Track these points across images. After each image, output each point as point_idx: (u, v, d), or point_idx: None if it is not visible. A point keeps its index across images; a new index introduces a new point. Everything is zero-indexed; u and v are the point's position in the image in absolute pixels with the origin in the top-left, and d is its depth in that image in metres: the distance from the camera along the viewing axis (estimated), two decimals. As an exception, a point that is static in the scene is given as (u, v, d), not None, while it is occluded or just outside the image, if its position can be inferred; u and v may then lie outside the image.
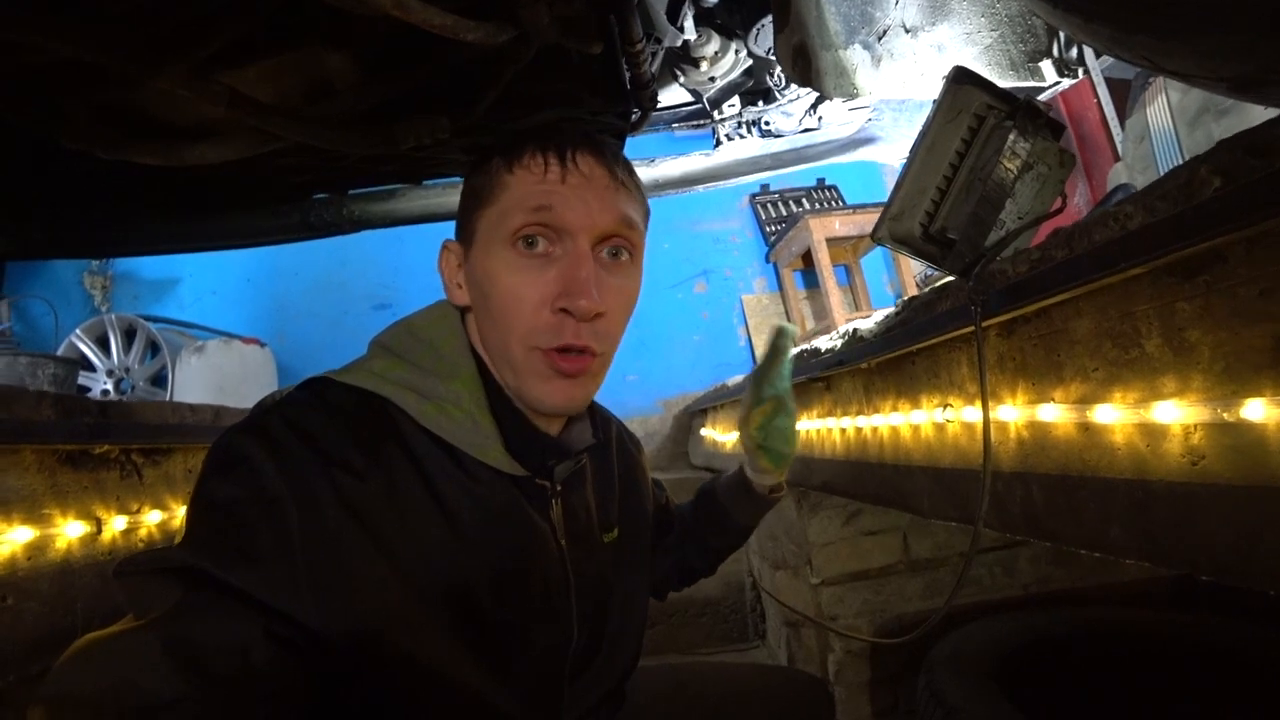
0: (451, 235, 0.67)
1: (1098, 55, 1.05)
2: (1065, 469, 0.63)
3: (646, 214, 0.67)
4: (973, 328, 0.69)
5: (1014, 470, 0.70)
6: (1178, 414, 0.51)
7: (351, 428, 0.53)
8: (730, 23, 1.14)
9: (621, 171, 0.62)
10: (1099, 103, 3.05)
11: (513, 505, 0.60)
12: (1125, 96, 2.59)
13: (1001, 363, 0.71)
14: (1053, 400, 0.64)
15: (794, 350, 0.92)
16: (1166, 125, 2.09)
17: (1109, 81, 3.02)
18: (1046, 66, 1.02)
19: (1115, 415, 0.57)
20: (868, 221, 2.88)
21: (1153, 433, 0.54)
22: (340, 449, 0.52)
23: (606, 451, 0.77)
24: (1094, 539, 0.61)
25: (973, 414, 0.76)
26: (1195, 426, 0.50)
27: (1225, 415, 0.48)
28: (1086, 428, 0.60)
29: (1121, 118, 2.89)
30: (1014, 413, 0.69)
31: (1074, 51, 1.06)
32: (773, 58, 1.13)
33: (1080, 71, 1.04)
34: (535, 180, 0.58)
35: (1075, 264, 0.57)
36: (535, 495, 0.62)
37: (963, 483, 0.79)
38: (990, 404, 0.70)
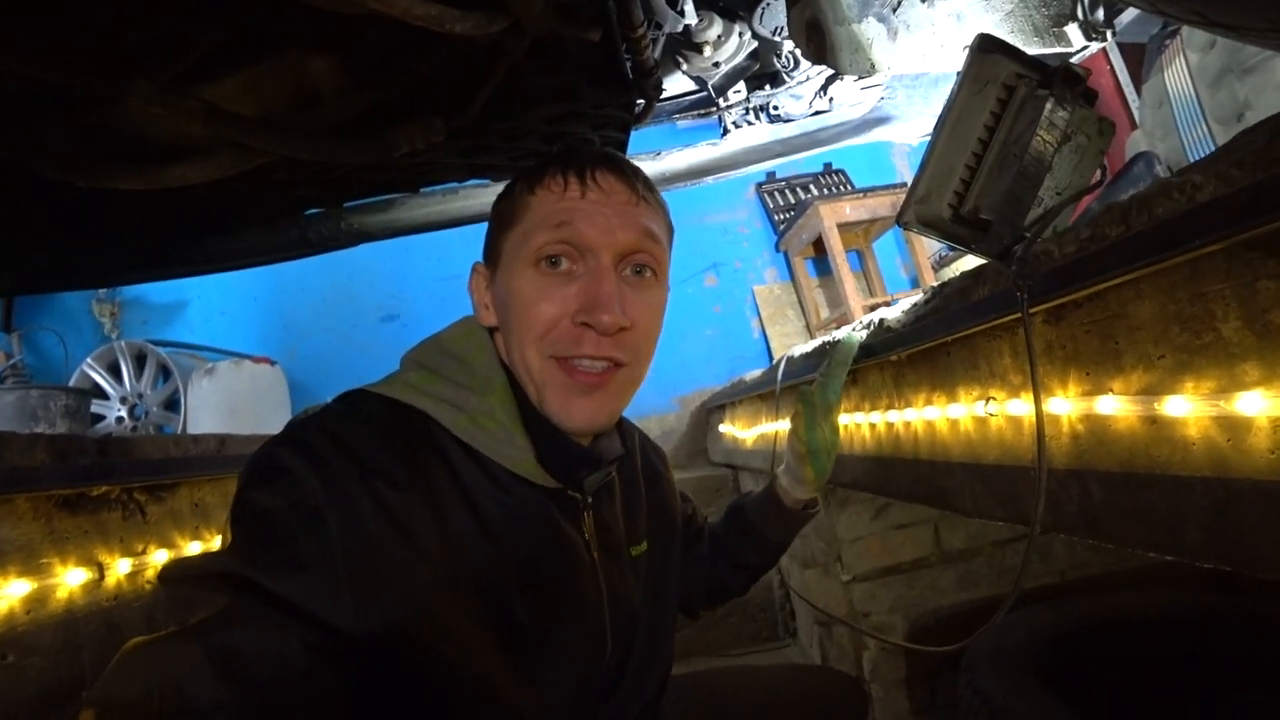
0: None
1: (1115, 17, 0.99)
2: (1129, 466, 0.58)
3: (670, 230, 0.68)
4: (1017, 314, 0.64)
5: (1069, 467, 0.65)
6: (1263, 405, 0.46)
7: (389, 438, 0.54)
8: (733, 4, 1.08)
9: (642, 187, 0.64)
10: (1112, 69, 2.96)
11: (546, 517, 0.60)
12: (1140, 61, 2.50)
13: (1050, 351, 0.66)
14: (1111, 391, 0.59)
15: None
16: (1187, 88, 2.01)
17: (1121, 46, 2.93)
18: (1073, 30, 0.96)
19: (1188, 407, 0.51)
20: (879, 205, 2.81)
21: (1234, 426, 0.48)
22: (379, 459, 0.52)
23: (632, 462, 0.76)
24: (1165, 542, 0.56)
25: (1019, 407, 0.71)
26: (1285, 418, 0.45)
27: (1322, 405, 0.42)
28: (1153, 421, 0.55)
29: (1137, 83, 2.80)
30: (1066, 405, 0.64)
31: (1099, 13, 0.99)
32: (778, 38, 1.07)
33: (1109, 34, 0.97)
34: (555, 199, 0.60)
35: (1135, 242, 0.52)
36: (567, 507, 0.62)
37: (1009, 480, 0.75)
38: (1040, 396, 0.65)
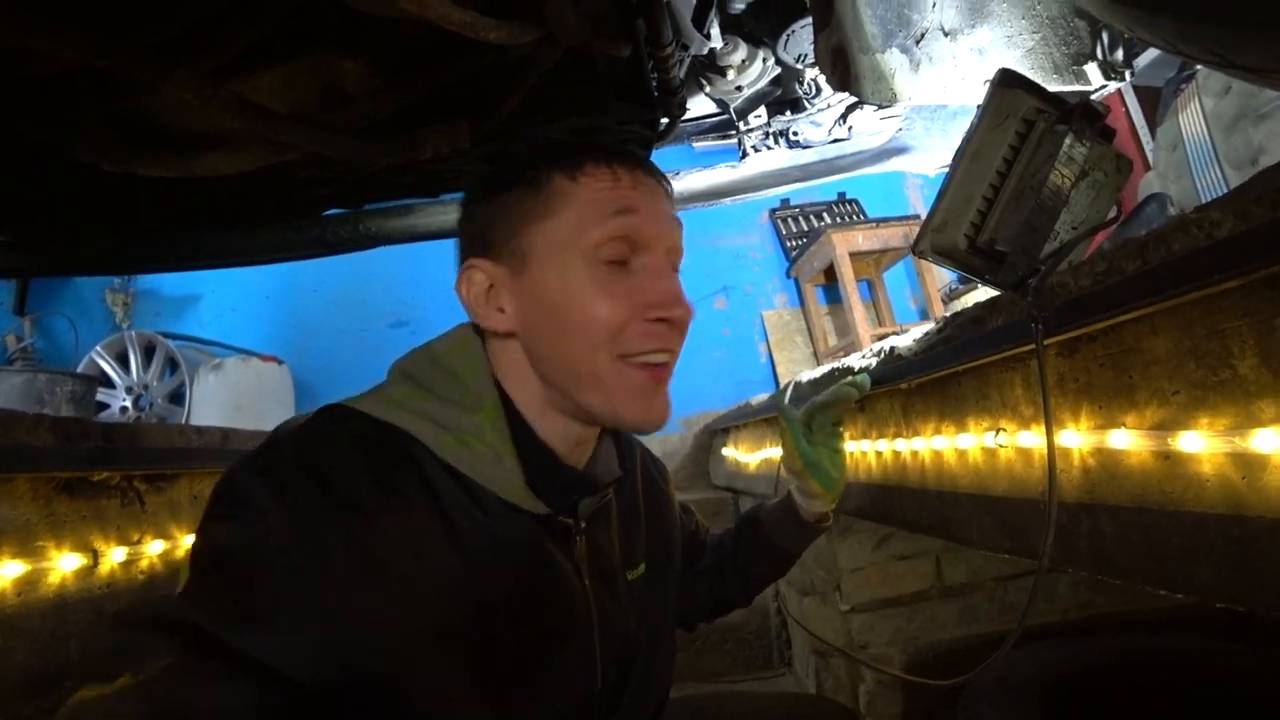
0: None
1: (1135, 58, 1.00)
2: (1141, 501, 0.57)
3: None
4: (1031, 345, 0.63)
5: (1079, 501, 0.64)
6: (1279, 443, 0.46)
7: (366, 463, 0.51)
8: (758, 30, 1.10)
9: (668, 185, 0.64)
10: (1127, 111, 2.99)
11: (534, 544, 0.57)
12: (1155, 104, 2.53)
13: (1063, 384, 0.66)
14: (1124, 426, 0.58)
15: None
16: (1201, 132, 2.02)
17: (1137, 89, 2.96)
18: (1092, 70, 0.97)
19: (1202, 443, 0.51)
20: (891, 235, 2.82)
21: (1249, 463, 0.48)
22: (353, 489, 0.49)
23: (631, 481, 0.73)
24: (1177, 579, 0.55)
25: (1029, 439, 0.70)
26: (1302, 457, 0.44)
27: (1340, 446, 0.42)
28: (1167, 456, 0.54)
29: (1151, 126, 2.82)
30: (1078, 438, 0.64)
31: (1119, 53, 1.01)
32: (801, 65, 1.09)
33: (1128, 74, 0.98)
34: (606, 188, 0.56)
35: (1151, 277, 0.51)
36: (558, 532, 0.59)
37: (1017, 512, 0.74)
38: (1052, 428, 0.64)
